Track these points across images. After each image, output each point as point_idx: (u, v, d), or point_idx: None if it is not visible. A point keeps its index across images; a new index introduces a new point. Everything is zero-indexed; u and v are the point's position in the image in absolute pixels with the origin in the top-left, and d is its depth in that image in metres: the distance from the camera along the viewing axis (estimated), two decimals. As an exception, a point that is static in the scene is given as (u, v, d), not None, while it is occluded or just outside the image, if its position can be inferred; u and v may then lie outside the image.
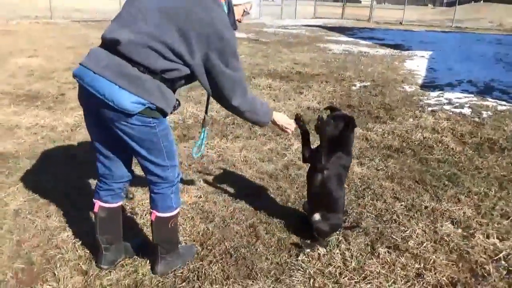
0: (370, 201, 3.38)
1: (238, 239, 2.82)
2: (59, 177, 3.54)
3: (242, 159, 4.11)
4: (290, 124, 2.63)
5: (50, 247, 2.62)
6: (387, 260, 2.64)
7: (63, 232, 2.76)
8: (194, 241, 2.77)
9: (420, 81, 7.50)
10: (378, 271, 2.53)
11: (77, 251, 2.57)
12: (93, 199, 2.37)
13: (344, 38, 14.81)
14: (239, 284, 2.37)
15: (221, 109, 5.57)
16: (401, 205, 3.33)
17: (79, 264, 2.45)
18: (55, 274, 2.35)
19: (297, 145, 4.48)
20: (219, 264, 2.54)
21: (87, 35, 12.16)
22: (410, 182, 3.73)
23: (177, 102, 2.13)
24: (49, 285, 2.27)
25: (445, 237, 2.91)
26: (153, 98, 1.94)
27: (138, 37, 1.87)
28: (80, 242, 2.65)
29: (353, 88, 6.93)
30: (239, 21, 2.25)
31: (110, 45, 1.92)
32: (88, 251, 2.56)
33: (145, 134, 2.03)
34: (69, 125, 4.80)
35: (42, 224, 2.85)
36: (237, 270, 2.51)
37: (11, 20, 14.43)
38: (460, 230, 3.01)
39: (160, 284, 2.34)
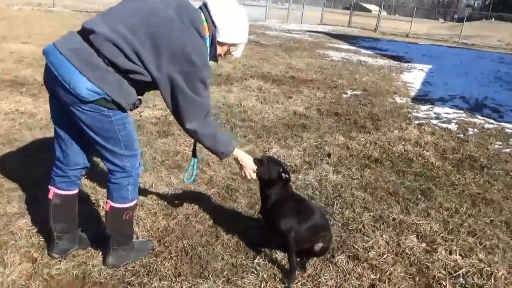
0: (339, 209, 3.40)
1: (198, 238, 2.83)
2: (29, 164, 3.57)
3: (217, 159, 4.11)
4: (250, 171, 2.48)
5: (5, 232, 2.64)
6: (343, 269, 2.65)
7: (21, 219, 2.78)
8: (152, 237, 2.79)
9: (412, 94, 7.53)
10: (332, 279, 2.54)
11: (30, 238, 2.58)
12: (49, 186, 2.39)
13: (345, 46, 14.86)
14: (189, 282, 2.38)
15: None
16: (369, 215, 3.35)
17: (30, 251, 2.47)
18: (4, 260, 2.37)
19: (276, 148, 4.50)
20: (173, 261, 2.55)
21: (86, 26, 12.21)
22: (383, 193, 3.75)
23: (138, 101, 2.14)
24: (-6, 270, 2.29)
25: (407, 250, 2.92)
26: (111, 90, 1.97)
27: (112, 34, 1.93)
28: (35, 230, 2.67)
29: (344, 96, 6.96)
30: (222, 56, 2.29)
31: (85, 33, 1.98)
32: (42, 240, 2.58)
33: (99, 122, 2.06)
34: (48, 113, 4.81)
35: (1, 210, 2.87)
36: (190, 268, 2.52)
37: (12, 6, 14.51)
38: (424, 245, 3.02)
39: (108, 276, 2.35)
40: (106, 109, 2.02)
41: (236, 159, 2.47)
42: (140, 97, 2.15)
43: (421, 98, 7.27)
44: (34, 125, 4.45)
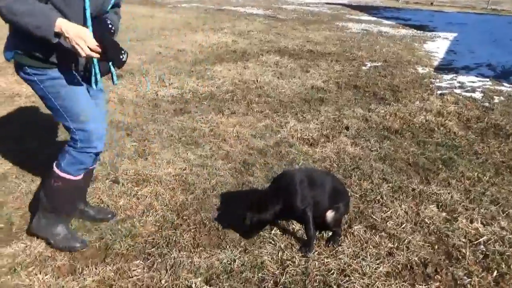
0: (357, 181, 3.41)
1: (215, 211, 2.92)
2: (49, 144, 3.70)
3: (234, 135, 4.18)
4: (81, 39, 1.87)
5: (30, 209, 2.78)
6: (361, 238, 2.69)
7: (45, 196, 2.91)
8: (171, 210, 2.88)
9: (435, 63, 7.33)
10: (349, 248, 2.58)
11: (55, 213, 2.71)
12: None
13: (366, 17, 14.47)
14: (207, 253, 2.47)
15: (222, 84, 5.66)
16: (388, 186, 3.35)
17: (55, 225, 2.60)
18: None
19: (292, 122, 4.51)
20: (191, 233, 2.65)
21: (100, 8, 12.32)
22: (402, 164, 3.73)
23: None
24: (23, 243, 2.43)
25: (427, 220, 2.93)
26: (18, 42, 2.04)
27: None
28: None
29: (363, 68, 6.85)
30: None
31: None
32: (66, 215, 2.71)
33: (35, 89, 2.14)
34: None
35: (26, 188, 3.01)
36: (208, 240, 2.61)
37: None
38: (444, 214, 3.01)
39: (130, 248, 2.47)
40: (27, 68, 2.06)
41: (62, 32, 1.87)
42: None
43: (444, 68, 7.07)
44: (54, 107, 4.59)
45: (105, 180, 3.18)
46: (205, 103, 5.05)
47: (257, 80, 5.95)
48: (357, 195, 3.21)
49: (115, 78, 2.28)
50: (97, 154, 2.33)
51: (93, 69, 2.11)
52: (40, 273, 2.19)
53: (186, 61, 6.89)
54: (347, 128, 4.45)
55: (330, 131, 4.37)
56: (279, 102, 5.19)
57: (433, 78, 6.33)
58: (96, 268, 2.24)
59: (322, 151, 3.91)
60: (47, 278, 2.15)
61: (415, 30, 11.40)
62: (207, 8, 14.33)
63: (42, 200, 2.39)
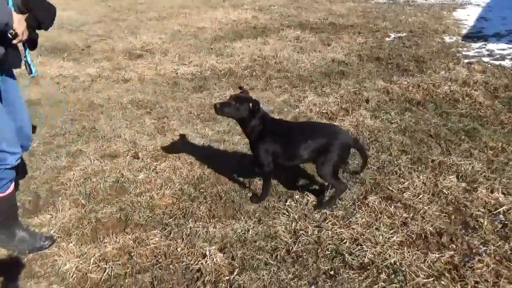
0: (375, 153, 3.41)
1: (231, 184, 3.00)
2: (73, 121, 3.87)
3: (252, 110, 4.22)
4: (20, 26, 2.00)
5: (56, 183, 2.95)
6: (375, 208, 2.71)
7: (69, 172, 3.08)
8: (188, 184, 2.98)
9: (464, 31, 7.05)
10: (363, 219, 2.62)
11: (78, 187, 2.88)
12: None
13: (393, -14, 14.00)
14: (222, 223, 2.57)
15: (241, 61, 5.68)
16: (407, 158, 3.33)
17: (78, 198, 2.76)
18: (55, 205, 2.68)
19: (311, 97, 4.50)
20: (207, 205, 2.75)
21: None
22: (423, 136, 3.68)
23: None
24: (49, 214, 2.60)
25: (445, 190, 2.91)
26: None
27: None
28: (82, 181, 2.95)
29: (386, 39, 6.68)
30: None
31: None
32: (88, 189, 2.86)
33: None
34: (91, 76, 5.12)
35: (52, 164, 3.19)
36: (224, 211, 2.71)
37: (50, -26, 15.02)
38: (463, 184, 2.98)
39: (148, 219, 2.59)
40: None
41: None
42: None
43: (473, 36, 6.80)
44: (77, 87, 4.76)
45: (126, 156, 3.32)
46: (224, 79, 5.10)
47: (276, 56, 5.93)
48: (375, 167, 3.22)
49: (33, 68, 2.24)
50: (12, 167, 2.24)
51: (27, 56, 2.15)
52: (64, 241, 2.35)
53: (205, 39, 6.93)
54: (367, 101, 4.41)
55: (350, 104, 4.34)
56: (298, 77, 5.18)
57: (461, 47, 6.12)
58: (116, 237, 2.38)
59: (340, 125, 3.90)
60: (70, 246, 2.31)
61: (445, -2, 10.95)
62: (228, -16, 14.21)
63: None
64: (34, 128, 2.92)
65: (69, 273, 2.13)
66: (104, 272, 2.15)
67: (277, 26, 7.76)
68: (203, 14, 8.81)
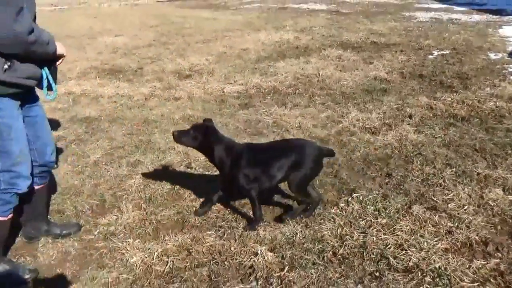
0: (419, 166, 3.50)
1: (278, 193, 3.20)
2: (131, 135, 4.23)
3: (296, 125, 4.44)
4: (61, 49, 2.31)
5: (119, 189, 3.27)
6: (420, 218, 2.81)
7: (130, 180, 3.40)
8: (238, 191, 3.21)
9: (510, 48, 7.01)
10: (407, 226, 2.73)
11: (139, 193, 3.17)
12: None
13: (436, 5, 13.99)
14: (271, 227, 2.75)
15: (285, 79, 5.94)
16: (452, 171, 3.40)
17: (140, 202, 3.05)
18: (120, 208, 2.98)
19: (354, 113, 4.66)
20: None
21: (169, 14, 13.22)
22: (468, 150, 3.74)
23: (7, 62, 2.03)
24: (115, 215, 2.90)
25: (491, 202, 2.96)
26: None
27: None
28: (142, 187, 3.25)
29: (429, 57, 6.76)
30: None
31: None
32: (148, 194, 3.15)
33: None
34: (144, 95, 5.54)
35: (114, 172, 3.53)
36: (272, 216, 2.90)
37: (102, 4, 16.16)
38: (510, 197, 3.02)
39: (203, 221, 2.83)
40: None
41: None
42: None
43: (521, 53, 6.76)
44: (133, 105, 5.17)
45: (180, 166, 3.60)
46: (269, 97, 5.37)
47: (319, 74, 6.16)
48: (419, 180, 3.31)
49: (54, 86, 2.35)
50: (21, 193, 2.30)
51: (48, 77, 2.30)
52: (130, 238, 2.63)
53: (249, 59, 7.28)
54: (410, 116, 4.52)
55: (393, 120, 4.47)
56: (341, 94, 5.36)
57: (507, 64, 6.10)
58: (175, 236, 2.63)
59: (383, 139, 4.03)
60: (136, 242, 2.57)
61: (491, 15, 10.86)
62: (269, 7, 14.74)
63: None
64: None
65: (136, 265, 2.39)
66: (166, 265, 2.39)
67: (319, 46, 8.02)
68: (246, 36, 9.23)
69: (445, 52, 6.94)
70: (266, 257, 2.41)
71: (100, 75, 6.50)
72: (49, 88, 2.32)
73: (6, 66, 2.00)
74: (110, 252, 2.55)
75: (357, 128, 4.31)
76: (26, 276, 2.31)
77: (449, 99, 4.91)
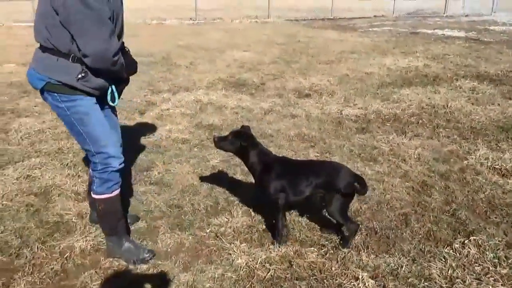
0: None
1: (387, 222, 3.18)
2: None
3: (415, 156, 4.32)
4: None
5: (232, 195, 3.56)
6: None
7: (242, 187, 3.68)
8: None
9: None
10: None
11: (250, 201, 3.42)
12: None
13: None
14: (375, 255, 2.76)
15: (408, 108, 5.80)
16: None
17: (249, 210, 3.31)
18: (231, 212, 3.26)
19: (483, 150, 4.37)
20: (362, 236, 2.98)
21: (296, 33, 13.75)
22: None
23: (82, 72, 2.29)
24: (226, 218, 3.18)
25: None
26: (51, 72, 2.32)
27: (36, 20, 2.32)
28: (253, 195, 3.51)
29: None
30: None
31: None
32: (257, 204, 3.39)
33: (59, 113, 2.46)
34: (264, 109, 5.90)
35: (230, 177, 3.86)
36: (377, 245, 2.90)
37: (234, 20, 17.45)
38: None
39: (307, 238, 2.95)
40: (57, 94, 2.36)
41: None
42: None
43: None
44: (252, 118, 5.55)
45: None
46: (388, 124, 5.30)
47: (447, 105, 5.88)
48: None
49: (117, 100, 2.61)
50: (117, 170, 2.59)
51: (113, 92, 2.57)
52: (237, 241, 2.87)
53: (372, 84, 7.24)
54: (553, 162, 4.08)
55: (531, 163, 4.08)
56: (470, 129, 5.06)
57: None
58: (279, 247, 2.79)
59: (517, 184, 3.71)
60: (242, 246, 2.81)
61: None
62: (399, 32, 14.39)
63: (101, 226, 2.79)
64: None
65: (240, 267, 2.60)
66: (268, 272, 2.56)
67: (451, 75, 7.63)
68: (372, 60, 9.17)
69: None
70: (367, 284, 2.44)
71: (226, 86, 7.08)
72: (113, 100, 2.60)
73: (80, 76, 2.30)
74: (218, 251, 2.82)
75: (485, 168, 4.03)
76: (146, 255, 2.71)
77: None
